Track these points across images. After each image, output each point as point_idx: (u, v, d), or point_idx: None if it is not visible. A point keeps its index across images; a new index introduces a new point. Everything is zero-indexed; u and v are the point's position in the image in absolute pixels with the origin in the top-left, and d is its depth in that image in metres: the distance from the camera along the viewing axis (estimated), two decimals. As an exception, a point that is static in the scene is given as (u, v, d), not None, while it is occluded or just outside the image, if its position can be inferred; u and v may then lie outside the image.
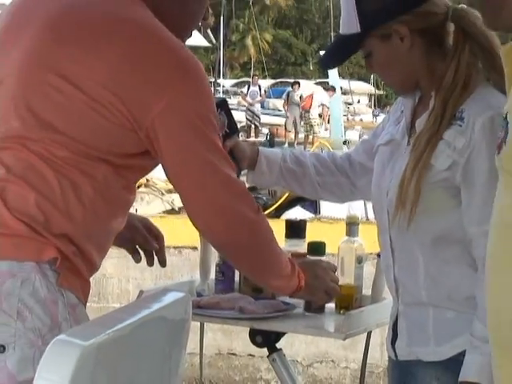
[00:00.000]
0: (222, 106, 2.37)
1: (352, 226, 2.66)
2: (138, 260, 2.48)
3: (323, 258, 2.61)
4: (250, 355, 5.57)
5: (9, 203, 1.95)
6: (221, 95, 34.70)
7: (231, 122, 2.39)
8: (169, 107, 1.99)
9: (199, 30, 2.40)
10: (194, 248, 2.74)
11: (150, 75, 1.99)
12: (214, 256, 2.72)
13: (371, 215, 2.93)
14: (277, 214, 11.32)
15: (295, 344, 5.18)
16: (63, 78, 1.97)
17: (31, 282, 1.92)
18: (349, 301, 2.57)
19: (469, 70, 2.18)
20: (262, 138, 27.05)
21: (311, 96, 24.98)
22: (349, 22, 2.25)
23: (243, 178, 2.39)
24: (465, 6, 2.18)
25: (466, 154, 2.12)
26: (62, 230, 1.98)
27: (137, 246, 2.45)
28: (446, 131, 2.15)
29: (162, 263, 2.48)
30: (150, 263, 2.48)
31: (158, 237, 2.47)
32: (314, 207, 10.56)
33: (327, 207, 10.25)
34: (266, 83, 37.66)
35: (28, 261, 1.93)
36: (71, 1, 2.09)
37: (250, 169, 2.50)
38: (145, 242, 2.44)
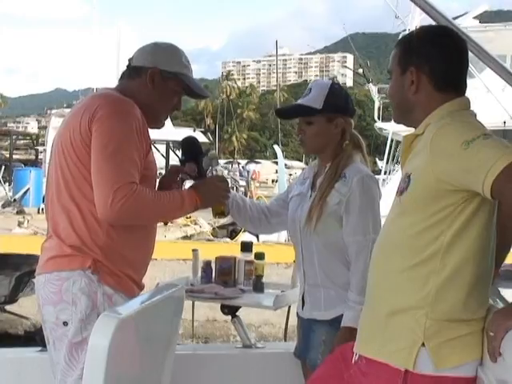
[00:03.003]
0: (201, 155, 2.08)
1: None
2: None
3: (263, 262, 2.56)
4: (225, 321, 5.52)
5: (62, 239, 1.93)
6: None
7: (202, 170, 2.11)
8: None
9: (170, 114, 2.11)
10: (194, 260, 2.73)
11: None
12: (200, 263, 2.68)
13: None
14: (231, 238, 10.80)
15: (251, 314, 5.12)
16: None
17: (79, 282, 1.88)
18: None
19: (350, 154, 2.20)
20: (239, 195, 27.09)
21: (255, 171, 25.62)
22: (315, 101, 2.17)
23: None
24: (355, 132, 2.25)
25: (347, 196, 2.12)
26: (96, 253, 1.92)
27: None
28: (335, 183, 2.16)
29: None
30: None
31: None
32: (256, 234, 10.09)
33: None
34: (243, 162, 37.72)
35: (77, 270, 1.89)
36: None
37: None
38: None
